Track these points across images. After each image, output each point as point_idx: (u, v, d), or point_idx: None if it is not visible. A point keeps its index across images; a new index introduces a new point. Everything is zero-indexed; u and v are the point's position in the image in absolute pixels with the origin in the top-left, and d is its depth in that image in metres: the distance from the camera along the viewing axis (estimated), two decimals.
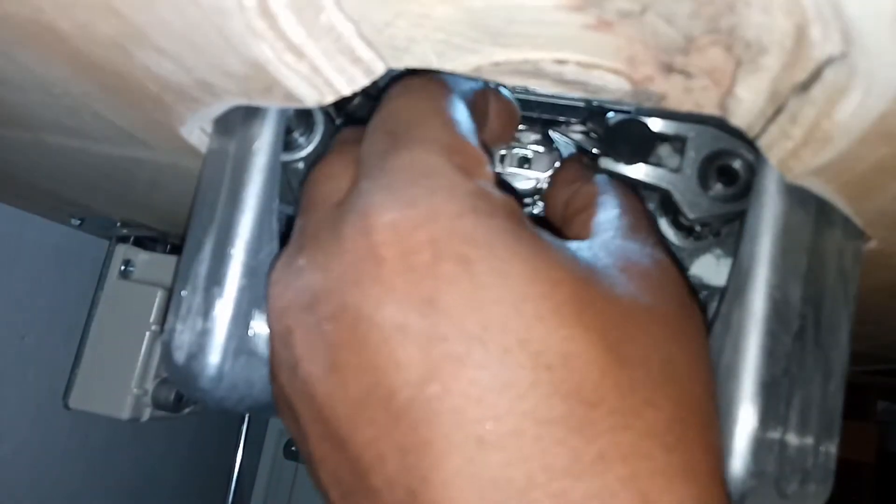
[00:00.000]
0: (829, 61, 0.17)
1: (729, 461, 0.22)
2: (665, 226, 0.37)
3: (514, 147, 0.35)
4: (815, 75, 0.18)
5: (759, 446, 0.22)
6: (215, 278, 0.26)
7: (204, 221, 0.27)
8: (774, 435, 0.23)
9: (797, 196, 0.24)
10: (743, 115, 0.22)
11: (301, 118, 0.30)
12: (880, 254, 0.28)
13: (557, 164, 0.32)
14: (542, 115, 0.33)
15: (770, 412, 0.23)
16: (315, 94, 0.24)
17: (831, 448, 0.25)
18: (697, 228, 0.35)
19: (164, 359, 0.27)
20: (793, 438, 0.23)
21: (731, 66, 0.20)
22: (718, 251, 0.36)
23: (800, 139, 0.20)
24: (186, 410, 0.71)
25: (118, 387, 0.66)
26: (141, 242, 0.71)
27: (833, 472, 0.25)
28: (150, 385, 0.67)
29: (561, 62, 0.22)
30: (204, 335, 0.26)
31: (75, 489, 0.89)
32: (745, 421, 0.22)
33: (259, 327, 0.27)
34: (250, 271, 0.26)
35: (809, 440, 0.23)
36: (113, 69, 0.24)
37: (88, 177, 0.45)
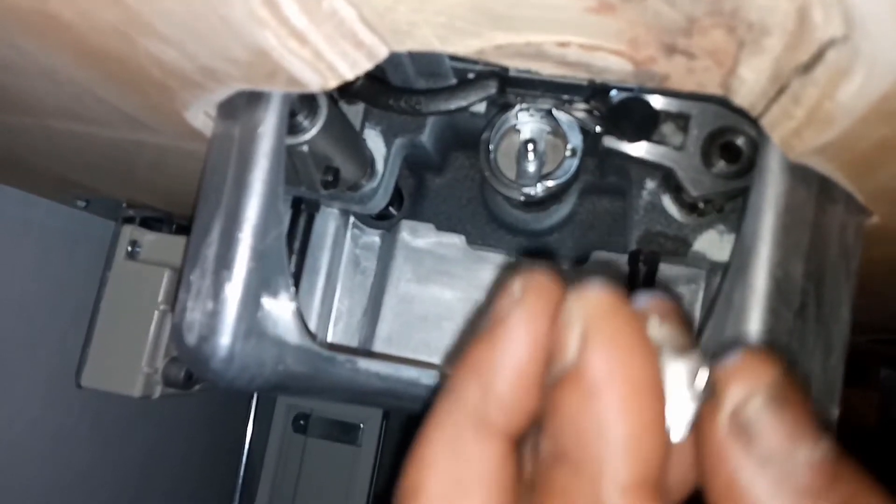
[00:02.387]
0: (831, 43, 0.17)
1: None
2: (668, 203, 0.37)
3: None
4: (818, 57, 0.18)
5: None
6: (224, 262, 0.27)
7: (211, 205, 0.28)
8: None
9: (799, 174, 0.24)
10: (746, 94, 0.22)
11: (305, 101, 0.30)
12: (882, 229, 0.28)
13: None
14: (546, 93, 0.33)
15: None
16: (319, 79, 0.24)
17: (831, 418, 0.26)
18: (701, 205, 0.35)
19: (176, 341, 0.27)
20: None
21: (734, 47, 0.20)
22: (722, 227, 0.36)
23: (802, 119, 0.20)
24: (197, 387, 0.73)
25: (129, 365, 0.67)
26: (147, 223, 0.71)
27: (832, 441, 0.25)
28: (160, 363, 0.68)
29: (563, 45, 0.22)
30: (214, 317, 0.26)
31: (88, 466, 0.91)
32: None
33: (268, 308, 0.28)
34: (258, 254, 0.27)
35: None
36: (117, 57, 0.24)
37: (94, 160, 0.45)
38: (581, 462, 0.14)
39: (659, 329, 0.15)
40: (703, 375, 0.15)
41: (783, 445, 0.14)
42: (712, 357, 0.16)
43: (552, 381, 0.15)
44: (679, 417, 0.15)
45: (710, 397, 0.15)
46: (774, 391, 0.15)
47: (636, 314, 0.15)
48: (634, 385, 0.14)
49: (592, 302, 0.15)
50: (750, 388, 0.15)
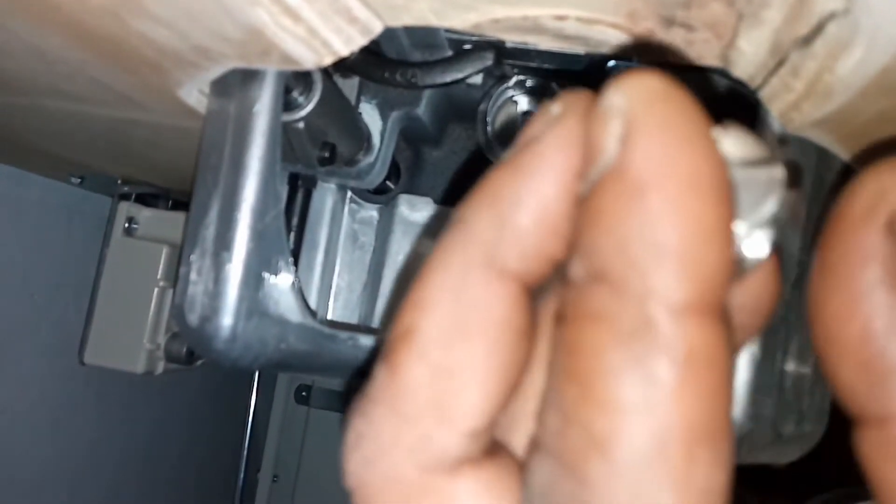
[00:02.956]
0: (831, 16, 0.17)
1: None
2: None
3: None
4: (818, 29, 0.18)
5: (757, 391, 0.23)
6: (223, 242, 0.27)
7: (208, 185, 0.27)
8: (771, 380, 0.24)
9: (798, 146, 0.24)
10: (745, 67, 0.22)
11: (300, 77, 0.30)
12: None
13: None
14: (543, 65, 0.33)
15: (767, 358, 0.24)
16: (313, 56, 0.24)
17: (826, 389, 0.26)
18: None
19: (178, 322, 0.27)
20: (789, 383, 0.24)
21: (733, 19, 0.19)
22: None
23: (801, 92, 0.20)
24: (199, 362, 0.73)
25: (131, 342, 0.67)
26: (143, 199, 0.71)
27: (828, 411, 0.26)
28: (161, 339, 0.69)
29: (561, 18, 0.21)
30: (216, 298, 0.27)
31: (92, 442, 0.93)
32: (742, 367, 0.23)
33: (269, 287, 0.28)
34: (257, 234, 0.27)
35: (805, 384, 0.24)
36: (108, 37, 0.24)
37: (88, 138, 0.45)
38: (624, 279, 0.11)
39: (726, 137, 0.12)
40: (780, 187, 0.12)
41: None
42: None
43: (587, 188, 0.12)
44: (756, 237, 0.12)
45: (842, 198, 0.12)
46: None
47: (693, 102, 0.11)
48: (692, 181, 0.11)
49: (637, 87, 0.11)
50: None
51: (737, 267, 0.12)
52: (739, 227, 0.12)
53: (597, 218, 0.11)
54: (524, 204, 0.13)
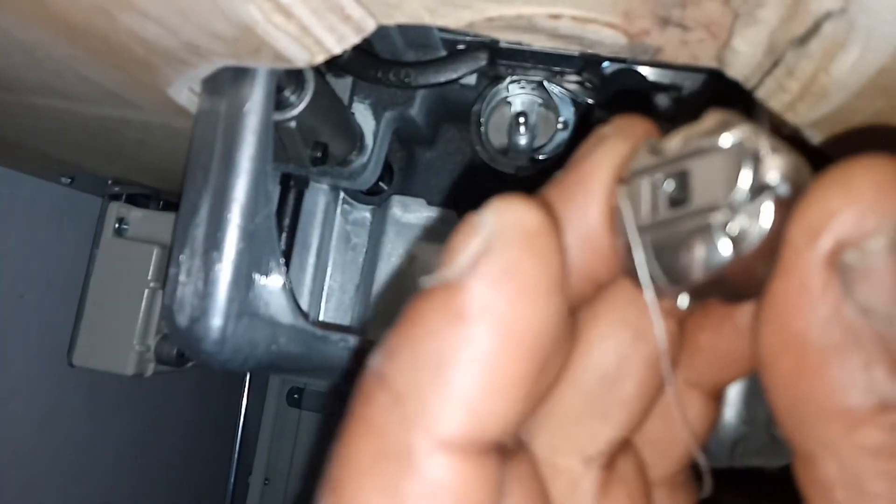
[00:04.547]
0: (827, 16, 0.17)
1: (722, 409, 0.23)
2: None
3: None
4: (814, 29, 0.17)
5: (750, 395, 0.23)
6: (213, 242, 0.26)
7: (198, 185, 0.27)
8: None
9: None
10: (740, 67, 0.21)
11: (291, 75, 0.30)
12: None
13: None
14: (538, 65, 0.32)
15: None
16: (305, 54, 0.24)
17: None
18: None
19: (168, 322, 0.27)
20: None
21: (729, 19, 0.19)
22: None
23: (796, 92, 0.20)
24: (189, 364, 0.73)
25: (121, 343, 0.67)
26: (134, 200, 0.70)
27: None
28: (151, 341, 0.68)
29: (555, 17, 0.21)
30: (205, 299, 0.26)
31: (82, 444, 0.92)
32: None
33: (260, 288, 0.27)
34: (248, 234, 0.27)
35: None
36: (96, 33, 0.24)
37: (77, 137, 0.44)
38: (404, 393, 0.11)
39: (652, 149, 0.12)
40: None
41: (891, 303, 0.10)
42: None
43: (426, 285, 0.12)
44: (741, 215, 0.11)
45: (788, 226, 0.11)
46: (881, 187, 0.10)
47: (555, 248, 0.11)
48: (508, 334, 0.11)
49: (512, 219, 0.11)
50: (874, 215, 0.10)
51: (743, 243, 0.11)
52: (717, 215, 0.11)
53: (414, 320, 0.11)
54: (572, 225, 0.13)
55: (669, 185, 0.12)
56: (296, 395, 1.42)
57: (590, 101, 0.32)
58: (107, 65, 0.27)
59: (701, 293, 0.12)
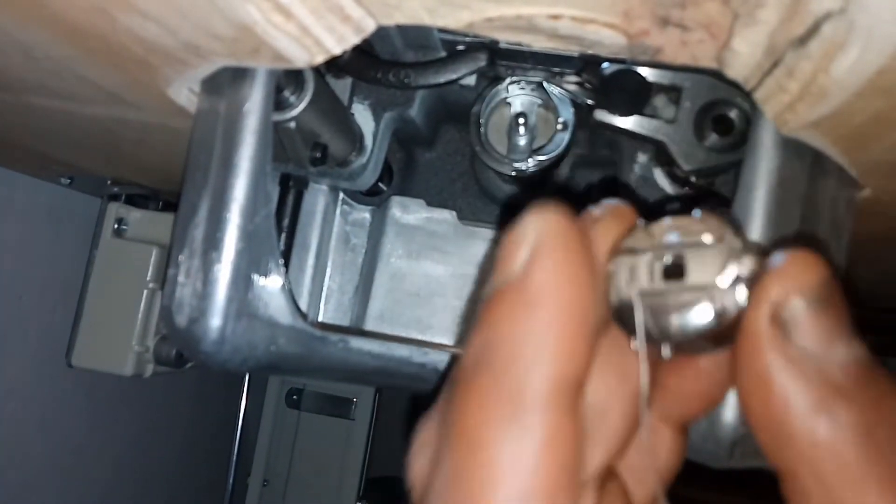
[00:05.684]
0: (827, 16, 0.17)
1: (720, 410, 0.23)
2: (660, 176, 0.37)
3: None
4: (813, 30, 0.17)
5: None
6: (212, 242, 0.26)
7: (197, 185, 0.27)
8: None
9: (792, 148, 0.24)
10: (739, 68, 0.21)
11: (291, 76, 0.30)
12: (873, 202, 0.28)
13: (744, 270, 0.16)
14: (537, 66, 0.32)
15: None
16: (305, 55, 0.24)
17: None
18: (692, 179, 0.35)
19: (166, 323, 0.27)
20: None
21: (728, 19, 0.19)
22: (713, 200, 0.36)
23: (796, 93, 0.20)
24: (189, 365, 0.73)
25: (120, 344, 0.67)
26: (133, 200, 0.70)
27: None
28: (150, 342, 0.68)
29: (555, 17, 0.21)
30: (204, 299, 0.26)
31: (81, 445, 0.92)
32: None
33: (259, 288, 0.27)
34: (247, 235, 0.26)
35: None
36: (95, 33, 0.24)
37: (76, 137, 0.44)
38: (504, 368, 0.14)
39: (644, 233, 0.16)
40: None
41: (821, 344, 0.14)
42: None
43: (490, 292, 0.16)
44: (728, 293, 0.15)
45: (750, 293, 0.15)
46: (818, 292, 0.14)
47: (585, 238, 0.16)
48: (568, 306, 0.15)
49: (544, 225, 0.15)
50: (795, 287, 0.14)
51: (723, 315, 0.15)
52: (709, 293, 0.15)
53: (495, 315, 0.15)
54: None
55: (667, 262, 0.16)
56: (295, 396, 1.42)
57: (589, 101, 0.32)
58: (106, 65, 0.27)
59: (681, 347, 0.16)
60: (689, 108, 0.31)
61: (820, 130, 0.22)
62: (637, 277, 0.16)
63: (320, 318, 0.42)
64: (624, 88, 0.31)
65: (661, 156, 0.35)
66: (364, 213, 0.43)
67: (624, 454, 0.18)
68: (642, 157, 0.36)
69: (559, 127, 0.34)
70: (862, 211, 0.27)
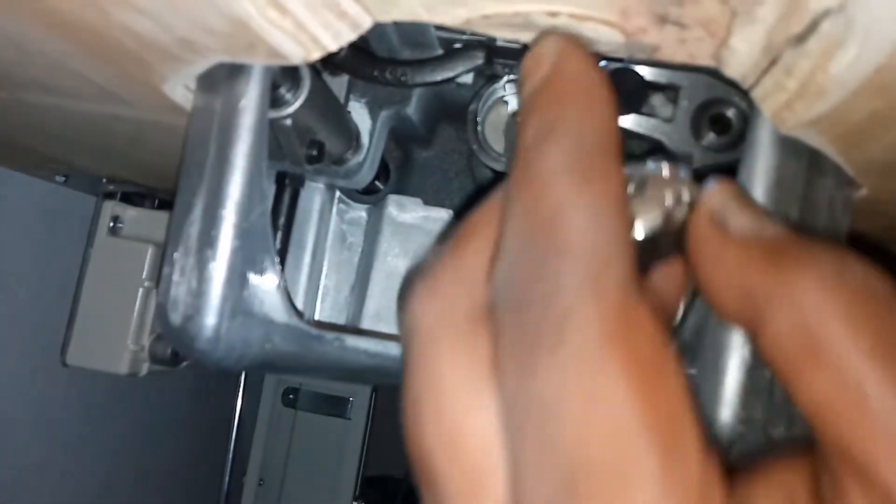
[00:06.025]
0: (825, 13, 0.17)
1: (718, 409, 0.23)
2: None
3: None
4: (812, 27, 0.17)
5: (747, 394, 0.23)
6: (207, 240, 0.26)
7: (193, 182, 0.27)
8: (761, 382, 0.23)
9: (790, 147, 0.24)
10: (737, 66, 0.21)
11: (287, 73, 0.29)
12: (870, 201, 0.28)
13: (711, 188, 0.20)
14: None
15: (757, 360, 0.23)
16: (301, 51, 0.23)
17: None
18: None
19: (161, 321, 0.27)
20: (779, 384, 0.24)
21: (727, 17, 0.19)
22: None
23: (794, 91, 0.20)
24: (184, 364, 0.72)
25: (115, 343, 0.66)
26: (128, 198, 0.70)
27: None
28: (146, 340, 0.68)
29: (553, 15, 0.21)
30: (199, 297, 0.26)
31: (75, 444, 0.91)
32: (733, 370, 0.23)
33: (254, 286, 0.27)
34: (242, 232, 0.26)
35: None
36: (89, 28, 0.23)
37: (70, 134, 0.44)
38: (564, 133, 0.17)
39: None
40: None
41: (751, 224, 0.18)
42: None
43: (526, 97, 0.19)
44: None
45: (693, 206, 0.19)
46: (737, 194, 0.19)
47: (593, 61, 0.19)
48: (594, 90, 0.18)
49: (560, 41, 0.19)
50: (724, 194, 0.19)
51: (670, 217, 0.19)
52: (667, 197, 0.19)
53: (533, 108, 0.18)
54: None
55: (637, 182, 0.19)
56: (291, 396, 1.42)
57: None
58: (100, 60, 0.27)
59: (648, 252, 0.19)
60: (687, 106, 0.31)
61: (818, 129, 0.22)
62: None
63: (316, 317, 0.42)
64: (621, 87, 0.31)
65: (658, 155, 0.35)
66: (360, 212, 0.43)
67: None
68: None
69: None
70: (859, 210, 0.27)
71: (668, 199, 0.19)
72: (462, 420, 0.16)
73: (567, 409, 0.14)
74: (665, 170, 0.19)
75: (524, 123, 0.18)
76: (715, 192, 0.19)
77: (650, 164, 0.19)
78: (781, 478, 0.16)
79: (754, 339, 0.17)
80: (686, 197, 0.19)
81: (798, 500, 0.15)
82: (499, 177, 0.38)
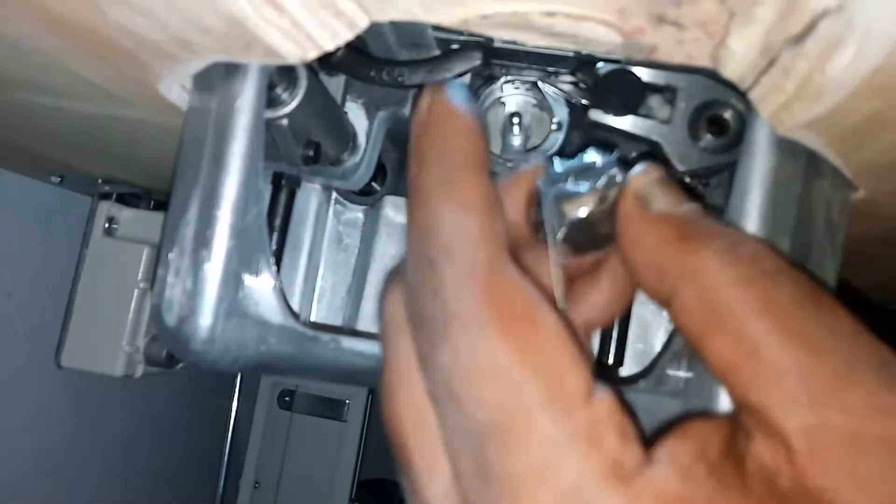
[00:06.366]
0: (824, 14, 0.17)
1: (715, 409, 0.22)
2: None
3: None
4: (810, 28, 0.17)
5: None
6: (202, 240, 0.26)
7: (188, 182, 0.27)
8: None
9: (788, 149, 0.24)
10: (735, 67, 0.21)
11: (284, 73, 0.29)
12: (868, 203, 0.28)
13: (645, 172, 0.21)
14: (532, 65, 0.32)
15: None
16: (297, 50, 0.23)
17: None
18: (687, 180, 0.35)
19: (156, 322, 0.27)
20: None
21: (724, 17, 0.19)
22: (707, 202, 0.36)
23: (792, 92, 0.20)
24: (179, 366, 0.72)
25: (110, 344, 0.66)
26: (124, 199, 0.69)
27: None
28: (141, 342, 0.67)
29: (550, 14, 0.21)
30: (194, 298, 0.26)
31: (70, 445, 0.91)
32: None
33: (250, 287, 0.27)
34: (238, 233, 0.26)
35: None
36: (84, 26, 0.23)
37: (66, 135, 0.44)
38: (437, 157, 0.20)
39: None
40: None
41: (669, 203, 0.19)
42: None
43: (416, 134, 0.21)
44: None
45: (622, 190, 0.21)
46: (661, 178, 0.20)
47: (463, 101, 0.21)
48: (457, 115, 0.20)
49: (435, 93, 0.21)
50: (648, 177, 0.20)
51: (602, 203, 0.20)
52: (597, 187, 0.21)
53: (420, 138, 0.21)
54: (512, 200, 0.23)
55: (568, 178, 0.21)
56: (287, 398, 1.42)
57: (584, 101, 0.32)
58: (95, 59, 0.27)
59: (580, 240, 0.21)
60: (684, 108, 0.31)
61: (815, 131, 0.22)
62: (547, 187, 0.22)
63: (312, 318, 0.42)
64: (619, 88, 0.31)
65: (656, 156, 0.35)
66: (357, 213, 0.43)
67: None
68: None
69: (554, 127, 0.34)
70: (857, 212, 0.27)
71: (601, 184, 0.20)
72: (422, 403, 0.18)
73: (462, 380, 0.17)
74: (594, 157, 0.21)
75: (409, 163, 0.21)
76: (640, 174, 0.20)
77: (584, 157, 0.21)
78: (697, 430, 0.17)
79: (669, 313, 0.18)
80: (619, 180, 0.21)
81: (710, 448, 0.17)
82: (496, 178, 0.38)
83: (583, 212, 0.20)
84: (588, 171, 0.21)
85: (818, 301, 0.16)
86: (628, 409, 0.17)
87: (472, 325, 0.17)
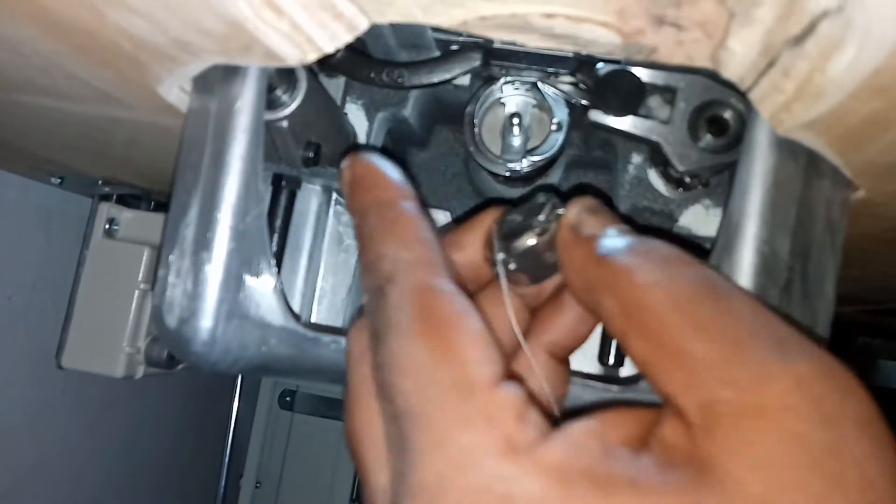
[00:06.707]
0: (824, 14, 0.17)
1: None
2: (654, 177, 0.36)
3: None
4: (810, 28, 0.17)
5: None
6: (203, 242, 0.26)
7: (188, 184, 0.27)
8: None
9: (788, 149, 0.24)
10: (735, 67, 0.21)
11: (283, 74, 0.29)
12: (868, 203, 0.28)
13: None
14: (531, 66, 0.32)
15: None
16: (297, 53, 0.23)
17: None
18: (687, 180, 0.35)
19: (157, 323, 0.27)
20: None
21: (724, 18, 0.19)
22: (707, 202, 0.36)
23: (792, 93, 0.20)
24: (180, 367, 0.72)
25: (110, 345, 0.66)
26: (124, 200, 0.69)
27: None
28: (142, 343, 0.67)
29: (550, 16, 0.21)
30: (195, 299, 0.26)
31: (71, 447, 0.91)
32: None
33: (250, 289, 0.27)
34: (238, 234, 0.26)
35: None
36: (83, 28, 0.23)
37: (65, 136, 0.44)
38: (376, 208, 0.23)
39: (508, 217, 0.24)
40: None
41: (596, 227, 0.21)
42: None
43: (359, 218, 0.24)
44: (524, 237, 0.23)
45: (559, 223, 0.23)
46: (591, 207, 0.22)
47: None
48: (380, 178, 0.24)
49: (356, 162, 0.25)
50: (580, 207, 0.22)
51: (542, 235, 0.23)
52: (539, 220, 0.23)
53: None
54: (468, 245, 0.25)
55: (515, 218, 0.24)
56: (288, 398, 1.42)
57: (584, 102, 0.32)
58: (95, 62, 0.27)
59: (529, 267, 0.23)
60: (684, 108, 0.31)
61: (815, 131, 0.22)
62: (500, 230, 0.24)
63: (313, 319, 0.42)
64: (619, 89, 0.31)
65: (656, 156, 0.35)
66: None
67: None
68: (637, 158, 0.36)
69: (553, 127, 0.34)
70: (856, 212, 0.27)
71: (542, 218, 0.23)
72: (375, 419, 0.21)
73: (392, 374, 0.19)
74: (540, 197, 0.24)
75: (350, 213, 0.24)
76: (573, 205, 0.23)
77: (535, 199, 0.24)
78: (607, 415, 0.19)
79: (602, 322, 0.21)
80: (560, 212, 0.23)
81: (615, 430, 0.18)
82: (496, 178, 0.38)
83: (529, 243, 0.23)
84: (533, 209, 0.23)
85: (715, 290, 0.18)
86: (541, 408, 0.19)
87: (404, 330, 0.19)
